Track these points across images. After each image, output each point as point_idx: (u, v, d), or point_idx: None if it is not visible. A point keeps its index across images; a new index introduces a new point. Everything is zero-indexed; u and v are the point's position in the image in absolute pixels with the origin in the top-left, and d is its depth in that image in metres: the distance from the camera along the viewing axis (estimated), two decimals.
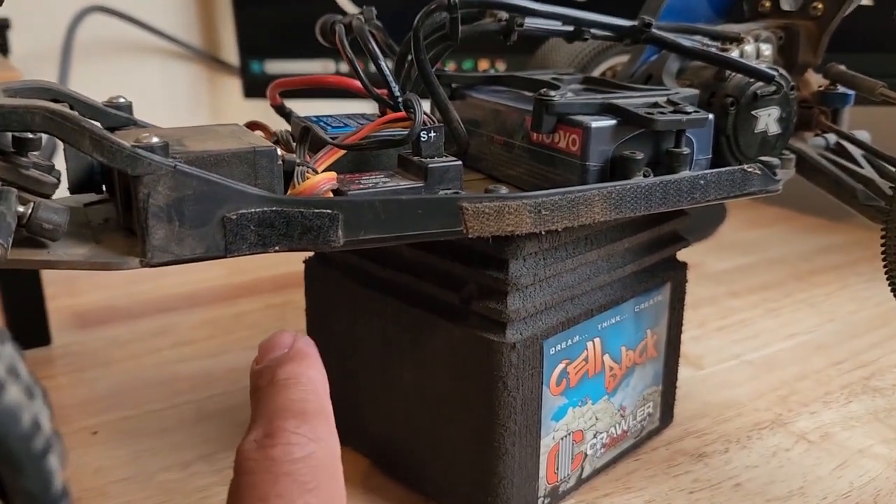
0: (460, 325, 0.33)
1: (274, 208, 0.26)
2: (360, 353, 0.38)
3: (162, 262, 0.26)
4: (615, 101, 0.32)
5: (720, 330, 0.56)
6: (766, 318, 0.58)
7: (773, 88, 0.36)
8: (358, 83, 0.34)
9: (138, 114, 0.32)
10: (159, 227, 0.25)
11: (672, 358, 0.41)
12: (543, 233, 0.29)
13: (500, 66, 0.71)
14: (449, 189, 0.30)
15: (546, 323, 0.33)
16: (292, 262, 0.70)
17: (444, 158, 0.31)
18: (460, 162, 0.31)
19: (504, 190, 0.30)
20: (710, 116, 0.33)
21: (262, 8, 0.79)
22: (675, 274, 0.40)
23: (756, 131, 0.37)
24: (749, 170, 0.33)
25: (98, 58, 0.82)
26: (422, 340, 0.35)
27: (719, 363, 0.51)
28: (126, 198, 0.27)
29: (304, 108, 0.37)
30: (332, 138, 0.32)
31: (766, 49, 0.39)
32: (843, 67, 0.41)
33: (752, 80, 0.36)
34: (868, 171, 0.39)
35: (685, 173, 0.32)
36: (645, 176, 0.31)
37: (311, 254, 0.40)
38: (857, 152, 0.41)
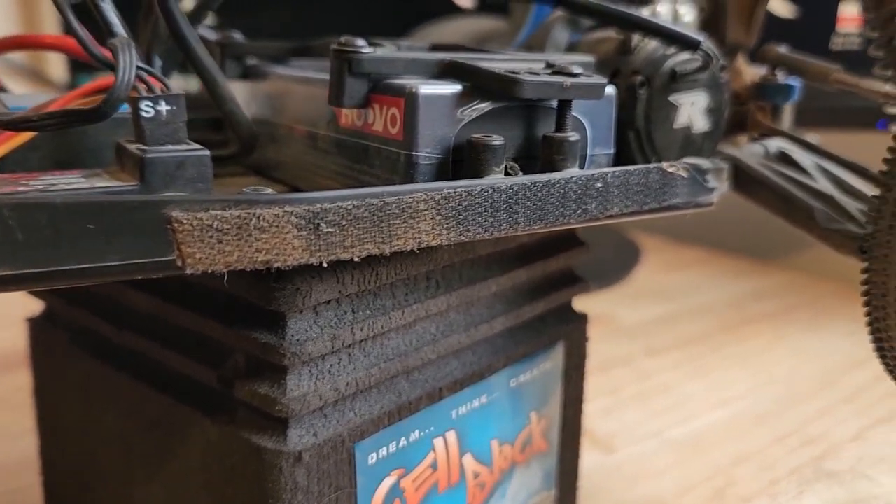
0: (219, 421, 0.20)
1: None
2: (95, 461, 0.25)
3: None
4: (461, 60, 0.20)
5: (637, 398, 0.44)
6: (692, 380, 0.47)
7: (697, 64, 0.26)
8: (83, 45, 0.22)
9: None
10: None
11: (570, 449, 0.29)
12: (325, 265, 0.16)
13: None
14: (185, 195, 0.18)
15: (359, 415, 0.20)
16: None
17: (180, 146, 0.19)
18: (206, 152, 0.19)
19: (268, 191, 0.17)
20: (610, 87, 0.21)
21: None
22: (571, 329, 0.28)
23: (676, 126, 0.26)
24: (671, 170, 0.22)
25: None
26: (171, 444, 0.22)
27: (635, 443, 0.39)
28: None
29: None
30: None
31: (687, 13, 0.28)
32: (784, 49, 0.31)
33: (668, 51, 0.25)
34: (824, 184, 0.29)
35: (573, 171, 0.20)
36: (508, 173, 0.19)
37: (39, 309, 0.27)
38: (807, 161, 0.30)
